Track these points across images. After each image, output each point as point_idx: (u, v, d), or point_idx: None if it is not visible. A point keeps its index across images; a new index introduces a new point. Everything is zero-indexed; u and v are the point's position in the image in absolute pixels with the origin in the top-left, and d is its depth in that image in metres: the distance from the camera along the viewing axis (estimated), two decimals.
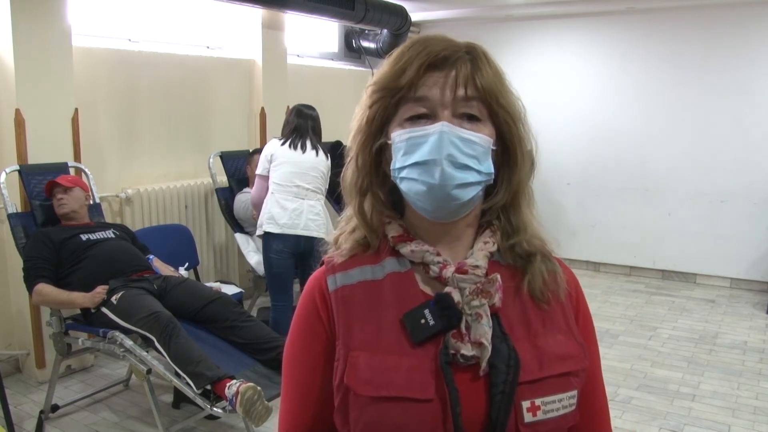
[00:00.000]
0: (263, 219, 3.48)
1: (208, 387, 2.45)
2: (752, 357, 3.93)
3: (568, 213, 5.95)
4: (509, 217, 0.86)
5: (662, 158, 5.56)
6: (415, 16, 5.92)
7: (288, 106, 4.50)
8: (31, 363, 3.54)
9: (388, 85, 0.82)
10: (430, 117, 0.80)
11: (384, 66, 0.84)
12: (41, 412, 3.04)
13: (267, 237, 3.49)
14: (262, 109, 4.88)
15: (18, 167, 3.21)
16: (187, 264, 3.62)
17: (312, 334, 0.85)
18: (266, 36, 4.84)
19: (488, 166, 0.81)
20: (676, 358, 3.90)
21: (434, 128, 0.79)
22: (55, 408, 3.11)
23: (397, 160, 0.82)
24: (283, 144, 3.53)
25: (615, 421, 3.11)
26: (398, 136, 0.81)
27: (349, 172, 0.87)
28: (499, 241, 0.86)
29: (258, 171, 3.58)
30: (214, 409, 2.45)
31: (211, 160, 4.35)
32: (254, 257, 4.08)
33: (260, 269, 4.02)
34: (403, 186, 0.82)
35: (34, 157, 3.35)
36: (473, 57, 0.81)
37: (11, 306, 3.55)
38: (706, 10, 5.25)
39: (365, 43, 5.99)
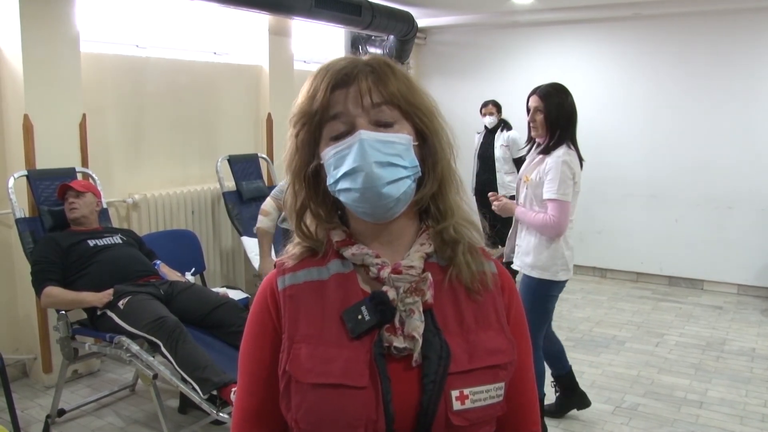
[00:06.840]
0: (556, 263, 2.77)
1: (215, 392, 2.45)
2: (760, 364, 3.91)
3: (574, 219, 5.92)
4: (438, 205, 0.94)
5: (669, 164, 5.55)
6: (421, 22, 5.94)
7: None
8: (38, 367, 3.55)
9: (305, 111, 0.91)
10: (350, 131, 0.88)
11: (299, 97, 0.93)
12: (48, 416, 3.05)
13: (553, 285, 2.78)
14: (269, 114, 4.89)
15: (26, 172, 3.23)
16: (193, 269, 3.63)
17: (262, 328, 0.93)
18: (273, 42, 4.86)
19: (412, 161, 0.90)
20: (684, 365, 3.88)
21: (354, 138, 0.87)
22: (61, 412, 3.11)
23: (330, 176, 0.90)
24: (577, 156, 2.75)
25: (622, 428, 3.10)
26: (326, 154, 0.90)
27: (288, 196, 0.96)
28: (434, 240, 0.93)
29: (563, 196, 2.73)
30: (221, 414, 2.45)
31: (219, 164, 4.37)
32: (260, 261, 4.08)
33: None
34: (342, 197, 0.90)
35: (42, 163, 3.37)
36: (374, 68, 0.90)
37: (18, 311, 3.56)
38: (712, 16, 5.25)
39: (372, 50, 6.00)
